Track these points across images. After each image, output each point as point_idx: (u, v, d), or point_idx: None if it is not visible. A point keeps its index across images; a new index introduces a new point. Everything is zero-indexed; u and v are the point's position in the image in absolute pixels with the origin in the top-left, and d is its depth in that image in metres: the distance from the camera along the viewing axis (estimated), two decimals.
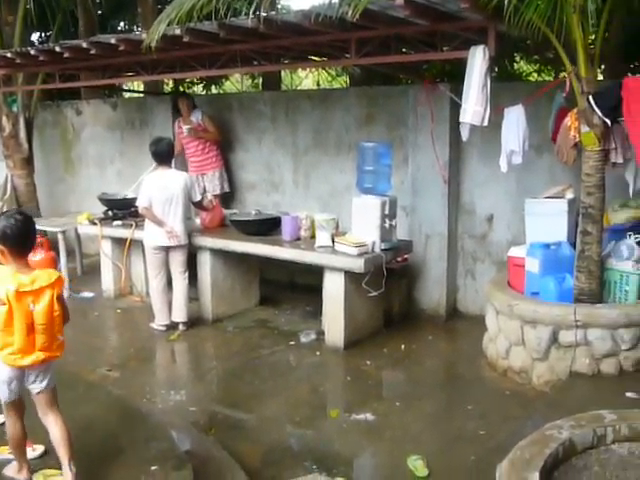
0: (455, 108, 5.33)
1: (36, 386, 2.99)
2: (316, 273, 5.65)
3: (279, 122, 7.48)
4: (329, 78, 14.95)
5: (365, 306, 5.68)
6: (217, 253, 6.21)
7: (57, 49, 6.34)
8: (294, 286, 7.17)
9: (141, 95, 9.91)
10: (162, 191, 5.81)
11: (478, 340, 5.38)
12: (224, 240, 6.10)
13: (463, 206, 6.36)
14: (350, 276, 5.39)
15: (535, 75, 12.37)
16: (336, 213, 5.97)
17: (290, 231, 5.88)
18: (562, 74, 4.75)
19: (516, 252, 5.19)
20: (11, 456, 3.12)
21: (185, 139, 7.44)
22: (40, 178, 9.21)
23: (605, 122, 4.46)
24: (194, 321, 6.19)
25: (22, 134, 8.71)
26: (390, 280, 5.74)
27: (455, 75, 6.14)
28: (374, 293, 5.51)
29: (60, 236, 7.34)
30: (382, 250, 5.45)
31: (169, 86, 13.16)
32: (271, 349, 5.63)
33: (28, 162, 8.87)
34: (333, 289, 5.48)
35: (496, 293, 5.05)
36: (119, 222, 6.84)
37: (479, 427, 4.17)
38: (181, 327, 6.06)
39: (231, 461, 3.59)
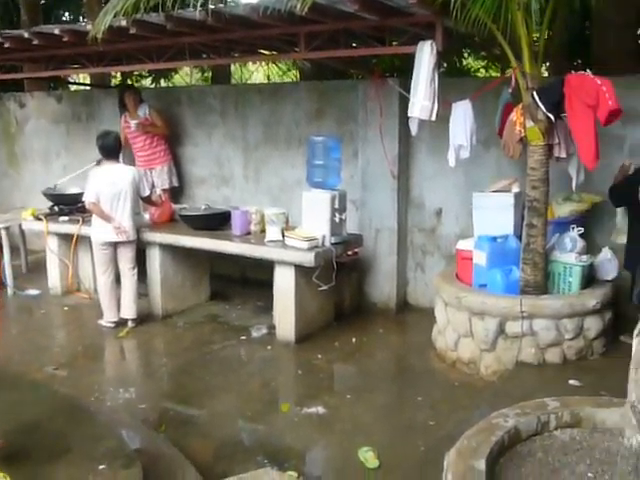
0: (404, 103, 5.38)
1: None
2: (267, 268, 5.64)
3: (229, 116, 7.42)
4: (280, 72, 14.91)
5: (316, 300, 5.69)
6: (166, 248, 6.14)
7: None
8: (245, 281, 7.15)
9: (87, 88, 9.71)
10: (110, 186, 5.71)
11: (428, 332, 5.46)
12: (173, 235, 6.04)
13: (413, 200, 6.42)
14: (300, 270, 5.39)
15: (483, 71, 12.58)
16: (286, 207, 5.96)
17: (240, 226, 5.85)
18: (508, 70, 4.83)
19: (464, 245, 5.28)
20: None
21: (132, 133, 7.33)
22: None
23: (549, 117, 4.57)
24: (144, 317, 6.12)
25: None
26: (341, 274, 5.77)
27: (404, 70, 6.18)
28: (325, 287, 5.53)
29: (3, 232, 7.13)
30: (332, 244, 5.47)
31: (117, 79, 12.93)
32: (222, 344, 5.60)
33: None
34: (284, 283, 5.48)
35: (445, 286, 5.13)
36: (65, 218, 6.69)
37: (429, 418, 4.23)
38: (130, 324, 5.97)
39: (181, 458, 3.55)
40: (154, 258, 6.16)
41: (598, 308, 4.72)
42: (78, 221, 6.46)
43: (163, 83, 14.40)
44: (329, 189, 5.52)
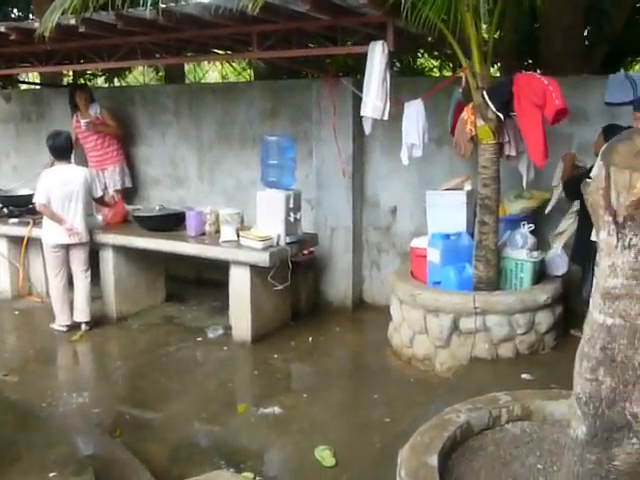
0: (358, 102, 5.38)
1: None
2: (222, 268, 5.61)
3: (183, 116, 7.36)
4: (235, 72, 14.82)
5: (272, 300, 5.68)
6: (120, 250, 6.05)
7: None
8: (201, 282, 7.09)
9: (38, 87, 9.51)
10: (61, 187, 5.61)
11: (384, 330, 5.50)
12: (127, 236, 5.96)
13: (367, 199, 6.46)
14: (256, 270, 5.38)
15: (437, 71, 12.71)
16: (241, 207, 5.95)
17: (195, 226, 5.81)
18: (459, 70, 4.90)
19: (418, 243, 5.33)
20: None
21: (84, 133, 7.20)
22: None
23: (499, 116, 4.65)
24: (97, 320, 6.02)
25: None
26: (296, 273, 5.78)
27: (357, 70, 6.22)
28: (280, 287, 5.53)
29: None
30: (287, 243, 5.47)
31: (69, 78, 12.68)
32: (178, 346, 5.55)
33: None
34: (239, 283, 5.46)
35: (400, 283, 5.17)
36: (15, 220, 6.55)
37: (384, 415, 4.26)
38: (84, 327, 5.87)
39: (136, 462, 3.50)
40: (107, 260, 6.07)
41: (549, 303, 4.82)
42: (29, 223, 6.32)
43: (117, 82, 14.18)
44: (284, 189, 5.51)
